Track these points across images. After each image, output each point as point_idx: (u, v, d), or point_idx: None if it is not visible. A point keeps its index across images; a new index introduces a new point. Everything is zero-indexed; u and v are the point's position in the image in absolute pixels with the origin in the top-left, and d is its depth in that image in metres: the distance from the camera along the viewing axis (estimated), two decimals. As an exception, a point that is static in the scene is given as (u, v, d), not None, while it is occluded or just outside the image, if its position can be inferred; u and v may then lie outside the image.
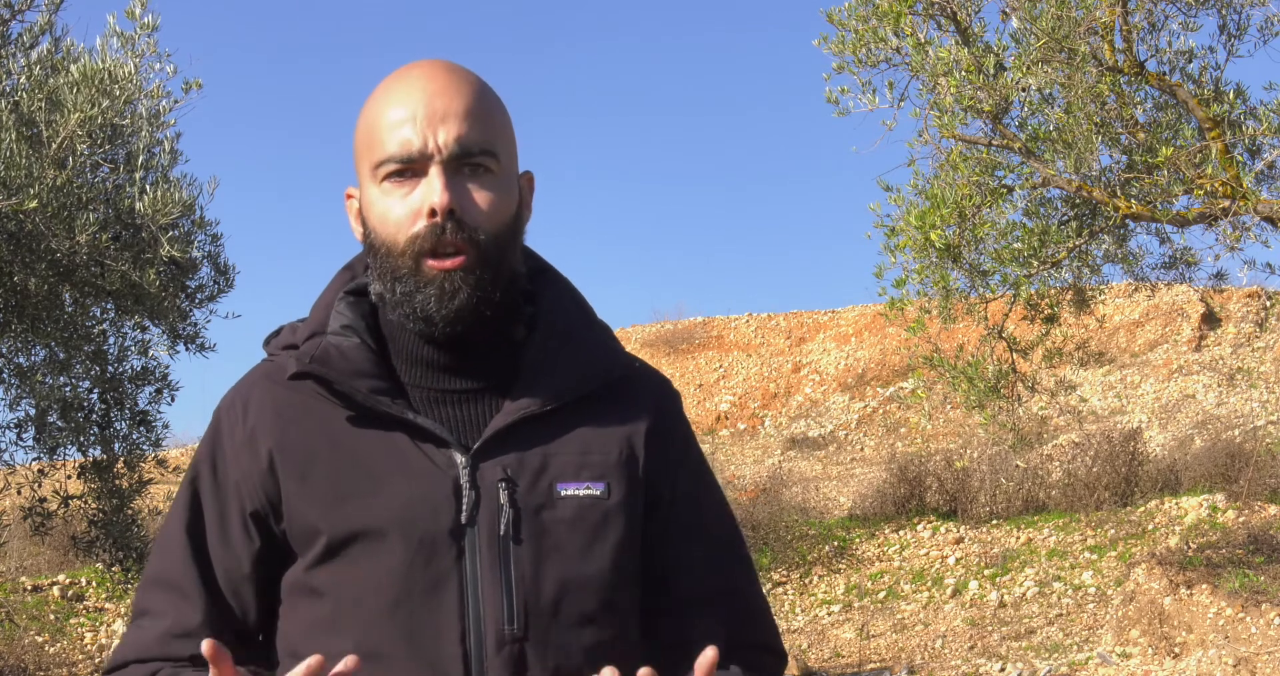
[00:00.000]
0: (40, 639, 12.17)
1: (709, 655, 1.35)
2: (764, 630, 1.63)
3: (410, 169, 1.48)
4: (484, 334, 1.52)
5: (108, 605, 13.14)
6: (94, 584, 13.28)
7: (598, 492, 1.51)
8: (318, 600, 1.49)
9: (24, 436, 6.83)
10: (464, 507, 1.47)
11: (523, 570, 1.47)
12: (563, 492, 1.50)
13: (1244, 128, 7.43)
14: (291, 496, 1.50)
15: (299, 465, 1.50)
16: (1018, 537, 13.90)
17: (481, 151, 1.49)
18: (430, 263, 1.48)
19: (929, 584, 13.26)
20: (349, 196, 1.60)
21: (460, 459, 1.49)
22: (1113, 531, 13.43)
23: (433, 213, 1.46)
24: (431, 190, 1.47)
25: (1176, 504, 13.54)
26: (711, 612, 1.58)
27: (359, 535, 1.47)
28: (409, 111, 1.48)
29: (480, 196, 1.49)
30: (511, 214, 1.53)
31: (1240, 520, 12.69)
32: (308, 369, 1.51)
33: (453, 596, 1.46)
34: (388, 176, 1.49)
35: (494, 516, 1.47)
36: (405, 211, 1.48)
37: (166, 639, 1.51)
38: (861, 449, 21.28)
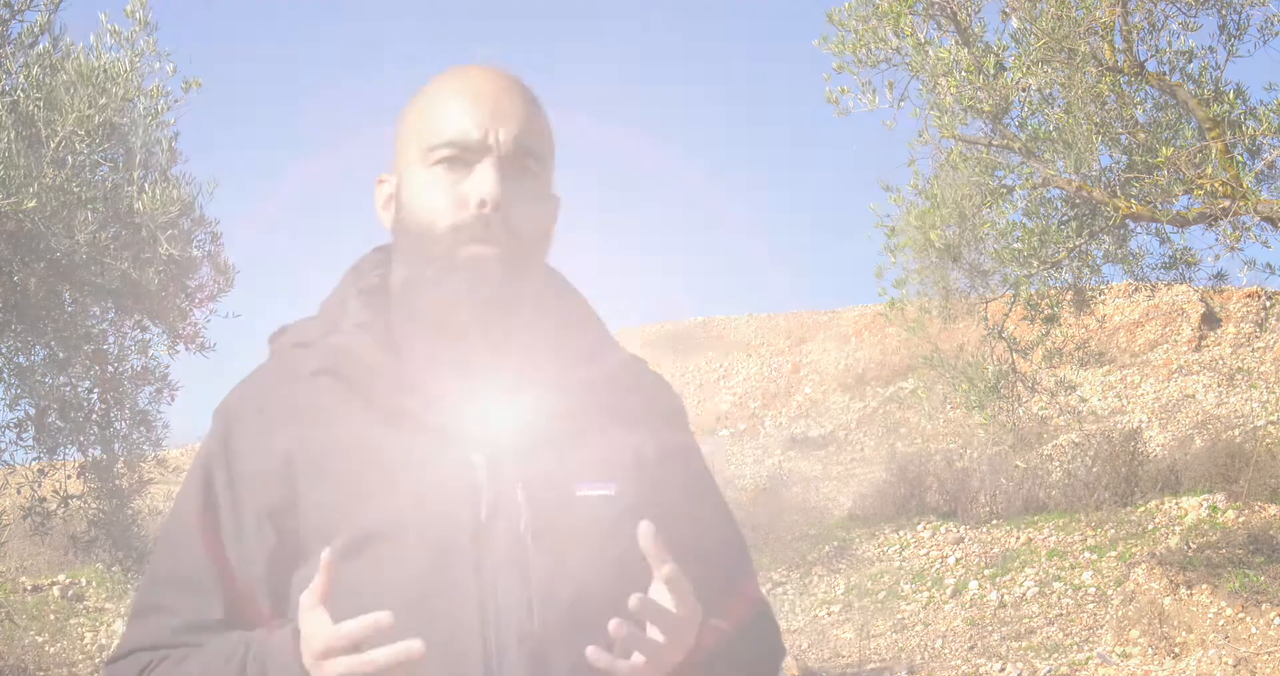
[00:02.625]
0: (40, 639, 12.16)
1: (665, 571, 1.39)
2: (765, 627, 1.65)
3: (463, 158, 1.50)
4: (497, 334, 1.52)
5: (108, 605, 13.13)
6: (94, 584, 13.27)
7: (611, 494, 1.52)
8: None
9: (24, 436, 6.81)
10: (482, 506, 1.47)
11: (540, 568, 1.47)
12: (578, 493, 1.51)
13: (1244, 128, 7.42)
14: (307, 495, 1.48)
15: (315, 463, 1.49)
16: (1018, 537, 13.89)
17: (533, 154, 1.52)
18: (468, 248, 1.48)
19: (929, 584, 13.25)
20: (380, 182, 1.60)
21: (477, 458, 1.49)
22: (1113, 531, 13.43)
23: (482, 203, 1.48)
24: (484, 180, 1.48)
25: (1176, 504, 13.53)
26: (714, 613, 1.58)
27: (377, 533, 1.46)
28: (471, 102, 1.51)
29: (526, 197, 1.51)
30: (548, 222, 1.56)
31: (1240, 520, 12.69)
32: (328, 364, 1.51)
33: (471, 594, 1.45)
34: (439, 161, 1.50)
35: (512, 515, 1.48)
36: (451, 198, 1.49)
37: (180, 631, 1.49)
38: (861, 449, 21.28)
